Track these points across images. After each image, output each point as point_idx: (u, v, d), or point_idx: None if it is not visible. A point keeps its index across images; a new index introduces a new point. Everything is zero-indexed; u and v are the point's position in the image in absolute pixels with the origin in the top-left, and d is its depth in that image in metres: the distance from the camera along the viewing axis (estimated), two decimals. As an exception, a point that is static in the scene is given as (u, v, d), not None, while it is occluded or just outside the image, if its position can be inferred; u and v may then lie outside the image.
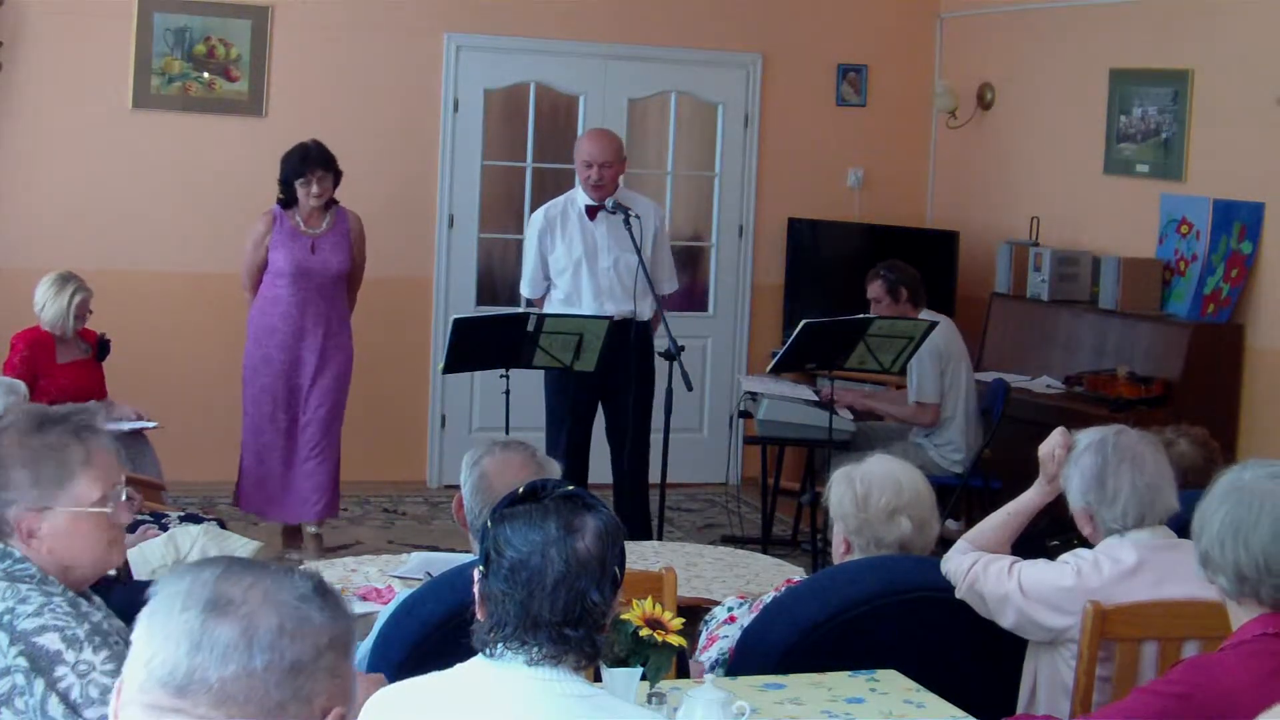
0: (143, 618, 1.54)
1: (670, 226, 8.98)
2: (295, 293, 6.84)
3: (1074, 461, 3.63)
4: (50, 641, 2.68)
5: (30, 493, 2.77)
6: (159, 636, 1.51)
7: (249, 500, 7.04)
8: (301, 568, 1.62)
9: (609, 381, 6.67)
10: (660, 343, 6.56)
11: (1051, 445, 3.75)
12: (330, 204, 6.89)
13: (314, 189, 6.80)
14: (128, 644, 2.88)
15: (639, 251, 6.59)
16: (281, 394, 6.92)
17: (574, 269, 6.83)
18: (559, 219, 6.89)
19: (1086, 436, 3.65)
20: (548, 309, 6.80)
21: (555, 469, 3.43)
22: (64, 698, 2.66)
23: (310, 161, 6.80)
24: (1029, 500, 3.80)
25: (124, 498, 2.89)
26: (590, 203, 6.80)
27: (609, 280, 6.79)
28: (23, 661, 2.67)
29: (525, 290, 7.08)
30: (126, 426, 6.37)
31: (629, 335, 6.68)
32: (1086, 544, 3.67)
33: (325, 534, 7.37)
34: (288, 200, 6.86)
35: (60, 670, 2.67)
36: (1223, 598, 2.86)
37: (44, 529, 2.78)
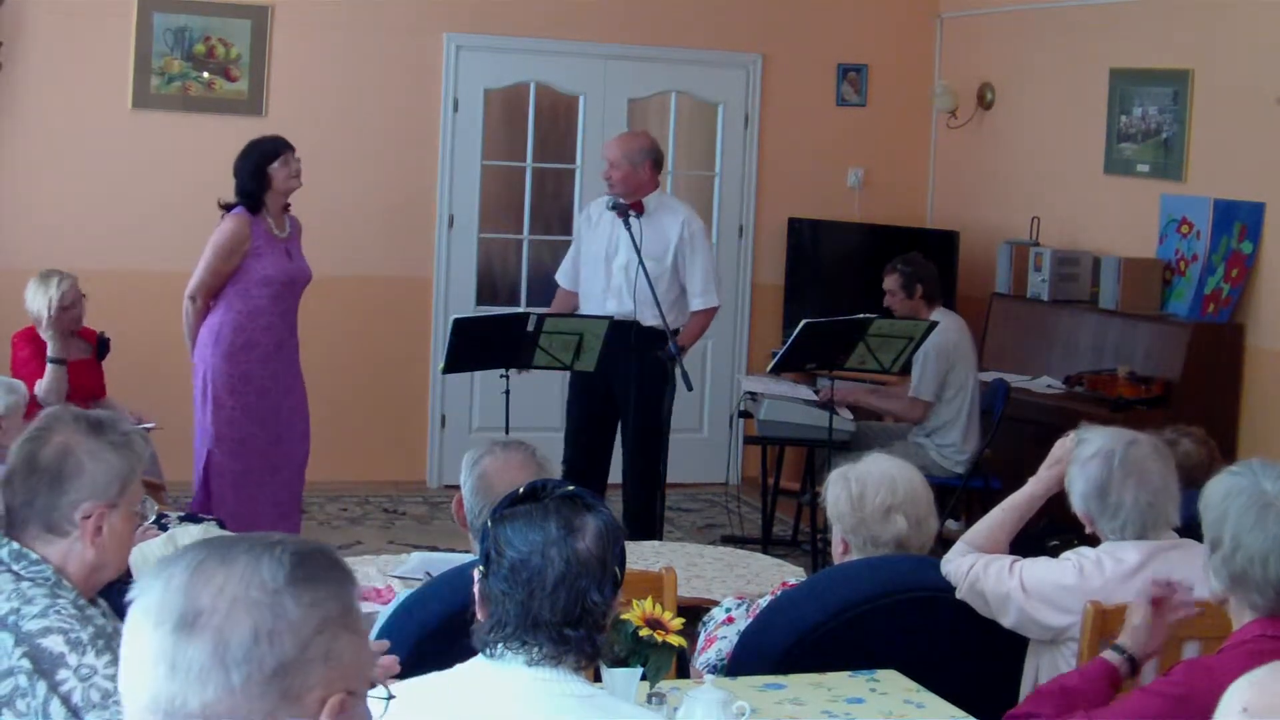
0: (126, 632, 1.50)
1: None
2: (278, 303, 6.41)
3: (1080, 464, 3.59)
4: (54, 644, 2.69)
5: (108, 490, 2.79)
6: (140, 656, 1.48)
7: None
8: (281, 543, 1.52)
9: (615, 384, 6.68)
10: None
11: (1069, 436, 3.73)
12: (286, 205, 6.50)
13: (294, 166, 6.37)
14: None
15: (639, 251, 6.58)
16: (263, 413, 6.47)
17: (593, 264, 6.87)
18: (595, 214, 6.95)
19: (1096, 441, 3.61)
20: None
21: (556, 470, 3.43)
22: (65, 701, 2.66)
23: (280, 142, 6.39)
24: (1025, 494, 3.78)
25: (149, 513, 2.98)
26: (618, 201, 6.82)
27: (620, 280, 6.78)
28: (26, 663, 2.67)
29: (560, 278, 7.11)
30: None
31: (630, 337, 6.65)
32: (1087, 543, 3.66)
33: (325, 534, 7.37)
34: (254, 202, 6.35)
35: (63, 673, 2.67)
36: (1225, 598, 2.86)
37: (107, 527, 2.80)
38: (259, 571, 1.48)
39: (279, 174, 6.34)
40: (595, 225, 6.91)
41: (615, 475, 6.98)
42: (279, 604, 1.46)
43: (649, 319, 6.64)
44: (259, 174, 6.33)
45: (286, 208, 6.50)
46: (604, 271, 6.82)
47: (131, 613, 1.49)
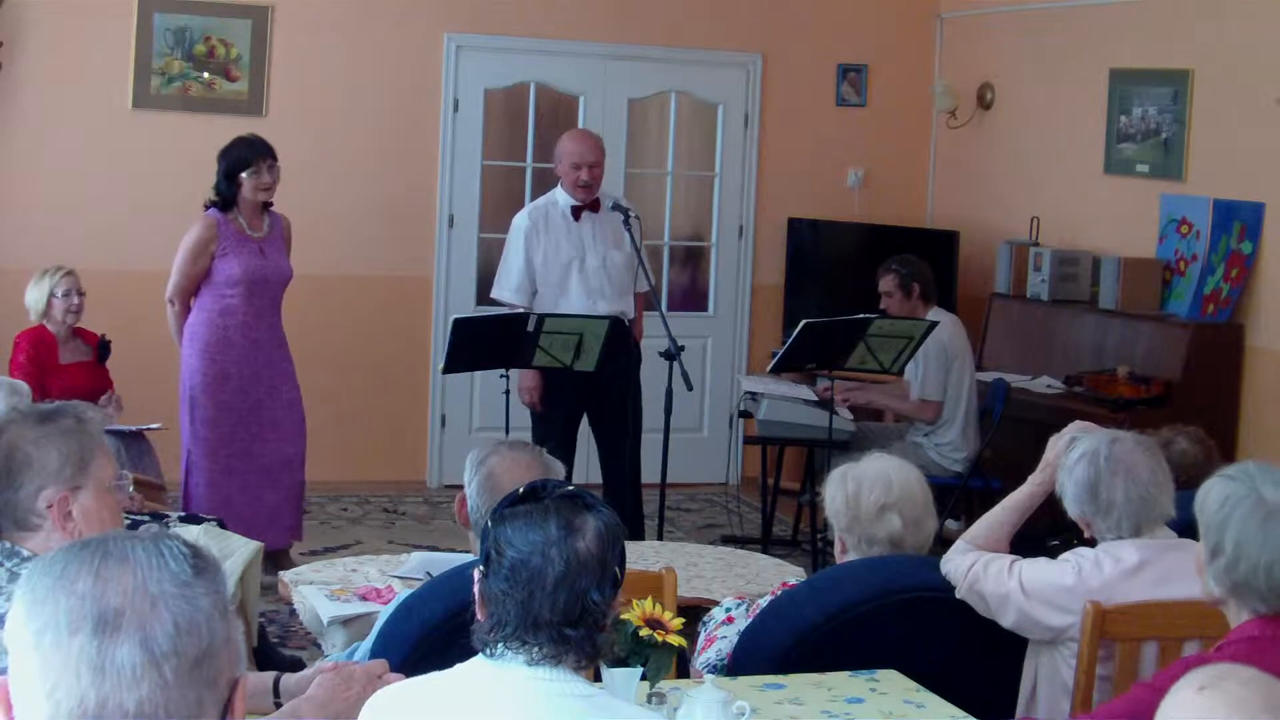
0: (16, 651, 1.49)
1: (670, 226, 9.04)
2: (250, 302, 6.40)
3: (1068, 469, 3.60)
4: None
5: (63, 473, 2.80)
6: (54, 667, 1.47)
7: None
8: (168, 538, 1.55)
9: (600, 380, 6.63)
10: (660, 342, 6.55)
11: (1061, 434, 3.74)
12: (266, 205, 6.50)
13: (264, 179, 6.35)
14: None
15: (639, 251, 6.60)
16: (244, 412, 6.44)
17: (563, 271, 6.77)
18: (544, 221, 6.80)
19: (1082, 444, 3.62)
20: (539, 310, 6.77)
21: (560, 470, 3.43)
22: None
23: (259, 150, 6.37)
24: (1024, 494, 3.79)
25: (127, 486, 2.96)
26: (575, 203, 6.79)
27: (599, 280, 6.76)
28: None
29: (505, 295, 6.84)
30: (132, 428, 6.38)
31: (624, 333, 6.67)
32: (1087, 543, 3.66)
33: (325, 534, 7.36)
34: (226, 202, 6.38)
35: None
36: (1224, 601, 2.86)
37: (76, 510, 2.80)
38: (166, 566, 1.51)
39: (247, 184, 6.36)
40: (547, 232, 6.77)
41: (585, 475, 6.98)
42: (192, 595, 1.51)
43: (632, 312, 6.75)
44: (230, 179, 6.38)
45: (267, 206, 6.49)
46: (579, 275, 6.77)
47: (23, 629, 1.49)
